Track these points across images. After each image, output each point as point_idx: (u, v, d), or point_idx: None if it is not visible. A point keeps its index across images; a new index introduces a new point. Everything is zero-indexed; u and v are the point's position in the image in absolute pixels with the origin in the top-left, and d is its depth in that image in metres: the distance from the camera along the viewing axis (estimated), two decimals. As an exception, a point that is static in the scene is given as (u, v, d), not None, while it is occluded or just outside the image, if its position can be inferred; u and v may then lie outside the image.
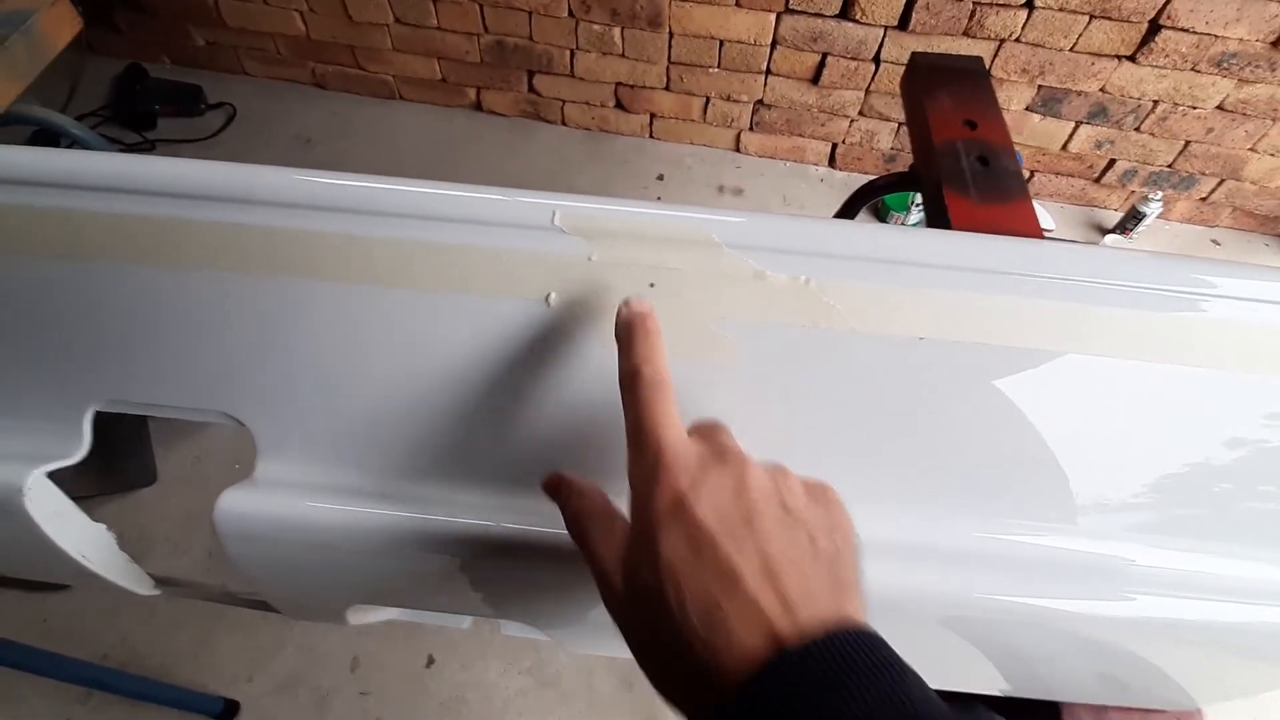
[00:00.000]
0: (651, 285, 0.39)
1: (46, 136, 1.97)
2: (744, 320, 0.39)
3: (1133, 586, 0.45)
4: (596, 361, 0.40)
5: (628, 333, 0.34)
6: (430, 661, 1.29)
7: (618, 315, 0.35)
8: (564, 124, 2.27)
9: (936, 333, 0.39)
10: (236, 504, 0.40)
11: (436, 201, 0.39)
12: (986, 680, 0.53)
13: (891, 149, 2.11)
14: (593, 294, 0.39)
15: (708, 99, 2.09)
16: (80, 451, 0.43)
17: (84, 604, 1.30)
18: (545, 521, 0.41)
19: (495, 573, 0.42)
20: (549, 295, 0.39)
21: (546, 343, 0.40)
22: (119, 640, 1.28)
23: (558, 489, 0.36)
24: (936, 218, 0.83)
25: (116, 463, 1.38)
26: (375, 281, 0.39)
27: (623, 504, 0.33)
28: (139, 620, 1.30)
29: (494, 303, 0.39)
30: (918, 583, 0.44)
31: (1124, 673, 0.51)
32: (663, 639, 0.27)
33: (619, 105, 2.18)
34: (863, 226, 0.41)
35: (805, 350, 0.40)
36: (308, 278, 0.40)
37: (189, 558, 1.37)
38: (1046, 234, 0.88)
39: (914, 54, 1.02)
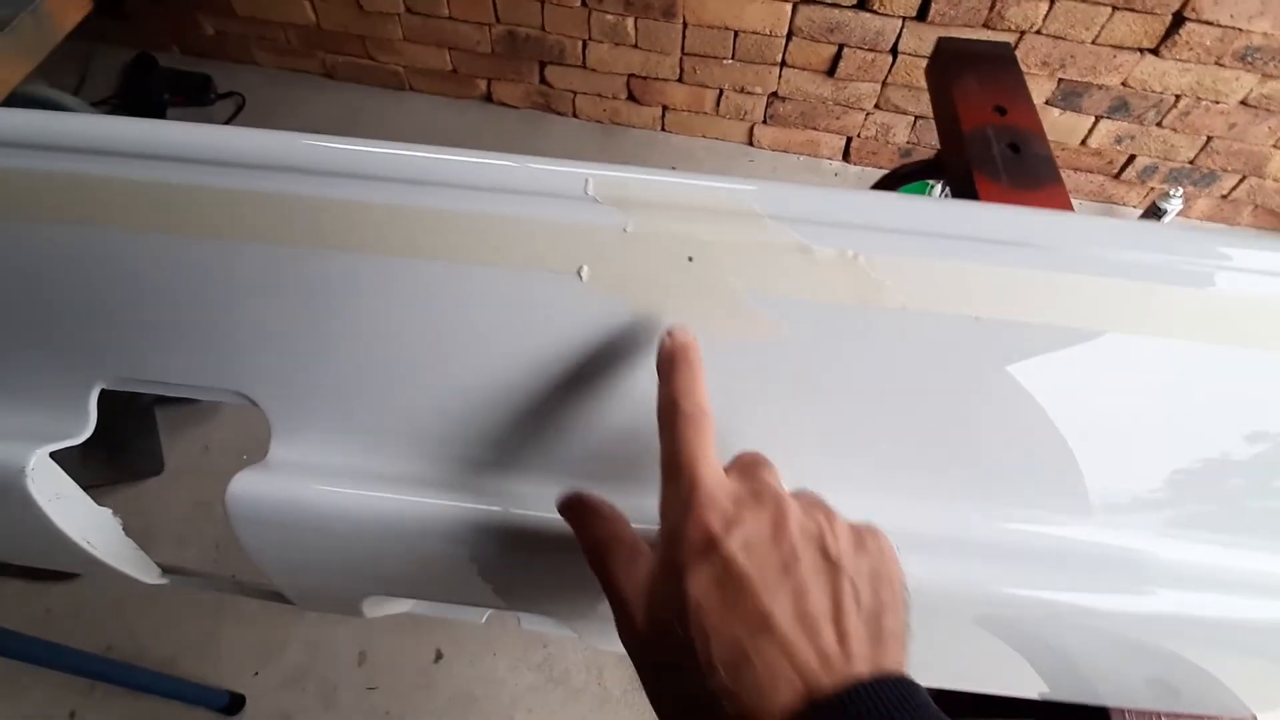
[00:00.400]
0: (690, 259, 0.37)
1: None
2: (787, 297, 0.37)
3: (1164, 581, 0.42)
4: (631, 339, 0.38)
5: (669, 364, 0.33)
6: (438, 656, 1.27)
7: (660, 345, 0.34)
8: (575, 116, 2.25)
9: (991, 312, 0.37)
10: (250, 487, 0.38)
11: (462, 169, 0.37)
12: (1026, 683, 0.51)
13: (908, 143, 2.08)
14: (628, 267, 0.37)
15: (721, 91, 2.07)
16: (85, 431, 0.41)
17: (89, 594, 1.29)
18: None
19: (518, 563, 0.40)
20: (581, 268, 0.37)
21: (578, 319, 0.37)
22: (124, 632, 1.27)
23: (574, 510, 0.34)
24: (966, 205, 0.81)
25: (123, 451, 1.37)
26: (395, 253, 0.37)
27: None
28: (144, 612, 1.28)
29: (522, 276, 0.37)
30: (952, 578, 0.41)
31: (1169, 676, 0.49)
32: (683, 684, 0.26)
33: (631, 97, 2.16)
34: (914, 199, 0.39)
35: (852, 329, 0.38)
36: (324, 248, 0.37)
37: (196, 549, 1.36)
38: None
39: (940, 39, 1.00)
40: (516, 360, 0.38)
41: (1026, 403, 0.39)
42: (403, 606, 0.51)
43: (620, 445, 0.40)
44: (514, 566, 0.41)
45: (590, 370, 0.38)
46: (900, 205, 0.37)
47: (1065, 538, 0.42)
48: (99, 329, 0.40)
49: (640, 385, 0.39)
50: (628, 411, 0.39)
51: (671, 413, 0.31)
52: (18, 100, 0.94)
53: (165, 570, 0.49)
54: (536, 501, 0.40)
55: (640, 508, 0.40)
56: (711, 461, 0.30)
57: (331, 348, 0.39)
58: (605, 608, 0.46)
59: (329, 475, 0.39)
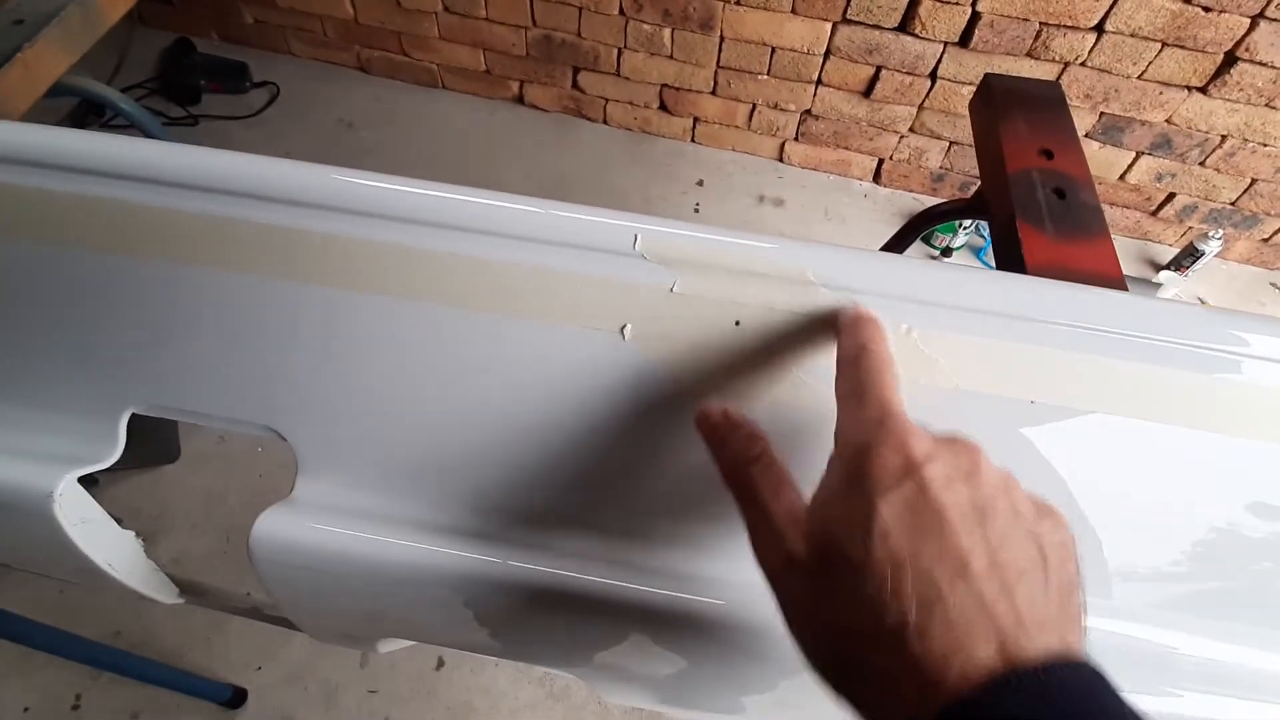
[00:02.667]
0: (737, 324, 0.36)
1: (92, 108, 1.99)
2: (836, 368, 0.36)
3: (1191, 682, 0.41)
4: (673, 403, 0.36)
5: (856, 322, 0.32)
6: (440, 664, 1.27)
7: (842, 313, 0.33)
8: (605, 123, 2.24)
9: (1052, 398, 0.36)
10: (274, 527, 0.38)
11: (507, 216, 0.36)
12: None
13: (940, 168, 2.05)
14: (673, 328, 0.36)
15: (754, 106, 2.05)
16: (113, 455, 0.41)
17: (101, 578, 1.30)
18: (598, 571, 0.38)
19: (547, 621, 0.39)
20: (625, 327, 0.36)
21: (619, 379, 0.36)
22: (133, 617, 1.28)
23: (714, 423, 0.31)
24: (1007, 251, 0.79)
25: (140, 438, 1.37)
26: (436, 300, 0.37)
27: None
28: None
29: (563, 331, 0.36)
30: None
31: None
32: (853, 615, 0.23)
33: (663, 107, 2.15)
34: (975, 272, 0.37)
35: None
36: (364, 290, 0.37)
37: (208, 538, 1.37)
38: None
39: (988, 75, 0.97)
40: (554, 416, 0.37)
41: (1066, 486, 0.38)
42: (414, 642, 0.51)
43: (657, 503, 0.39)
44: (535, 623, 0.40)
45: (632, 431, 0.37)
46: (958, 279, 0.36)
47: (1089, 628, 0.40)
48: (134, 356, 0.39)
49: (679, 446, 0.38)
50: (673, 473, 0.38)
51: (860, 354, 0.29)
52: (60, 92, 0.95)
53: (182, 590, 0.49)
54: (556, 558, 0.39)
55: (675, 569, 0.39)
56: (902, 401, 0.28)
57: (366, 390, 0.38)
58: (627, 661, 0.46)
59: (354, 519, 0.38)
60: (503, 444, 0.38)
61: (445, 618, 0.40)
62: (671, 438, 0.37)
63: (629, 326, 0.36)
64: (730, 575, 0.39)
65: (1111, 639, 0.40)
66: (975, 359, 0.35)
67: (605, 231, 0.36)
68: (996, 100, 0.93)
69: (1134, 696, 0.40)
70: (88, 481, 0.42)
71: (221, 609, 0.51)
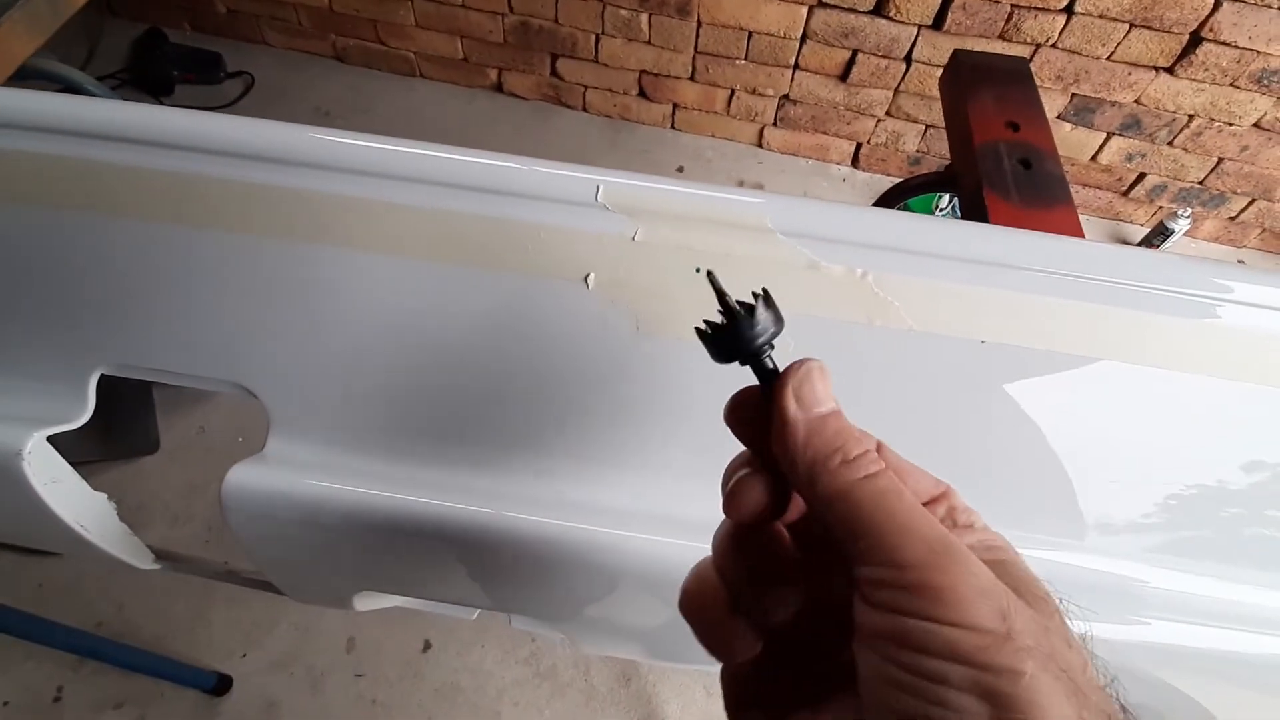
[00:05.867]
0: (698, 270, 0.37)
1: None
2: (795, 312, 0.37)
3: (1157, 610, 0.42)
4: (635, 348, 0.37)
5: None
6: (426, 646, 1.28)
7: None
8: (585, 110, 2.24)
9: (1000, 337, 0.37)
10: (246, 479, 0.38)
11: (471, 170, 0.37)
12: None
13: (917, 151, 2.07)
14: (635, 276, 0.37)
15: (732, 91, 2.06)
16: (83, 416, 0.41)
17: (81, 570, 1.29)
18: (564, 515, 0.39)
19: (509, 565, 0.40)
20: (588, 276, 0.37)
21: (583, 326, 0.37)
22: (115, 609, 1.27)
23: (789, 423, 0.24)
24: (975, 220, 0.80)
25: (119, 429, 1.36)
26: (402, 252, 0.37)
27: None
28: (136, 589, 1.28)
29: (529, 281, 0.37)
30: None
31: (1157, 704, 0.49)
32: None
33: (642, 94, 2.15)
34: (925, 219, 0.38)
35: (857, 347, 0.37)
36: (330, 244, 0.37)
37: (189, 529, 1.36)
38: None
39: (956, 51, 0.99)
40: (519, 365, 0.38)
41: (1026, 427, 0.39)
42: (394, 602, 0.51)
43: (628, 448, 0.40)
44: (504, 568, 0.41)
45: (596, 377, 0.38)
46: (910, 225, 0.37)
47: (1059, 563, 0.42)
48: (102, 315, 0.39)
49: (641, 394, 0.38)
50: (635, 418, 0.39)
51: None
52: (28, 75, 0.94)
53: (158, 556, 0.49)
54: (528, 505, 0.39)
55: (651, 514, 0.40)
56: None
57: (334, 345, 0.38)
58: (601, 614, 0.47)
59: (325, 471, 0.39)
60: (471, 393, 0.38)
61: (415, 565, 0.41)
62: (635, 383, 0.38)
63: (592, 275, 0.37)
64: (712, 519, 0.40)
65: (1082, 574, 0.41)
66: (927, 301, 0.36)
67: (568, 184, 0.37)
68: (965, 75, 0.95)
69: (1105, 625, 0.42)
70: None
71: (198, 574, 0.52)
